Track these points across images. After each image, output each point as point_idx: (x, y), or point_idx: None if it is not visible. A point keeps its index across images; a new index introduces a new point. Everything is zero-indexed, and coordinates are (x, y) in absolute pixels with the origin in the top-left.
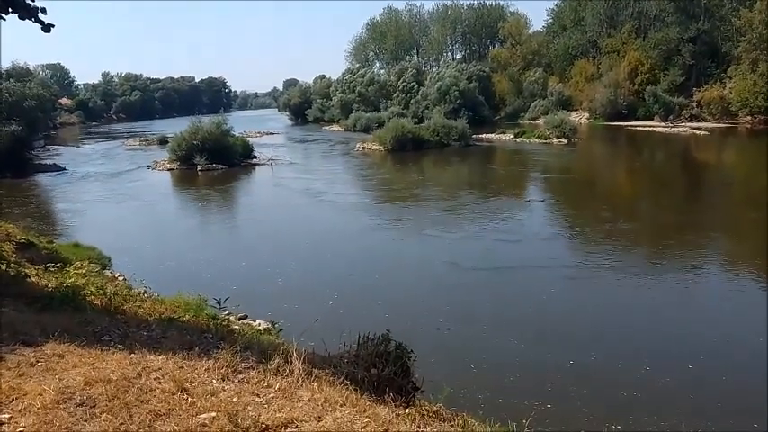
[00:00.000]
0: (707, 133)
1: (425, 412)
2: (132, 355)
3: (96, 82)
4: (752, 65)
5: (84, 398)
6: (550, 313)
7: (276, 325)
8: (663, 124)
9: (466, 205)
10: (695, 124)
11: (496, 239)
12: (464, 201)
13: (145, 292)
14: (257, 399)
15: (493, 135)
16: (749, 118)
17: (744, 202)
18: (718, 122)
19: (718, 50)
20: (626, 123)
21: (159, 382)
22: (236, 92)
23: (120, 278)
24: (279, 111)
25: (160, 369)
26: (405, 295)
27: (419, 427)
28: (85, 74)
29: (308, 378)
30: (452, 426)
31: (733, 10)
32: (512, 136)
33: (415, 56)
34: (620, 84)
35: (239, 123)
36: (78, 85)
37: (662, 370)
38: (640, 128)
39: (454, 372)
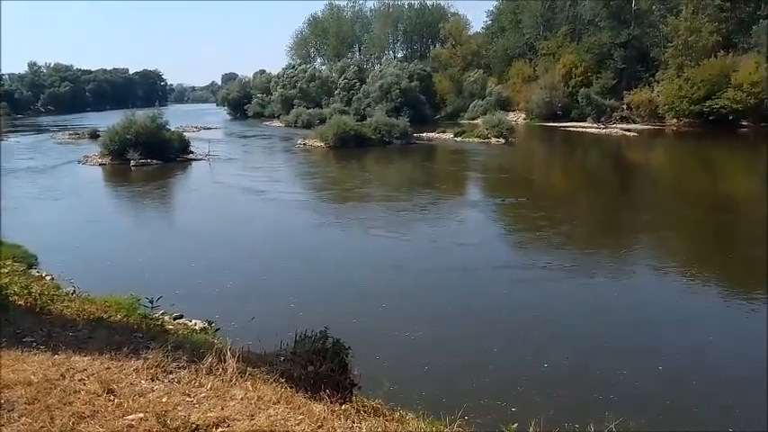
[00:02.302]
0: (636, 134)
1: (362, 408)
2: (56, 356)
3: (23, 72)
4: (678, 70)
5: (2, 401)
6: (502, 313)
7: (212, 324)
8: (595, 125)
9: (410, 204)
10: (625, 126)
11: (443, 239)
12: (408, 200)
13: (73, 291)
14: (188, 399)
15: (434, 134)
16: (675, 120)
17: (676, 200)
18: (647, 124)
19: (647, 55)
20: (560, 124)
21: (84, 384)
22: (172, 85)
23: (48, 278)
24: (217, 105)
25: (85, 370)
26: (352, 294)
27: (354, 422)
28: (10, 64)
29: (241, 377)
30: (387, 420)
31: (661, 17)
32: (452, 135)
33: (357, 53)
34: (555, 86)
35: (175, 117)
36: (2, 75)
37: (620, 368)
38: (574, 128)
39: (403, 370)
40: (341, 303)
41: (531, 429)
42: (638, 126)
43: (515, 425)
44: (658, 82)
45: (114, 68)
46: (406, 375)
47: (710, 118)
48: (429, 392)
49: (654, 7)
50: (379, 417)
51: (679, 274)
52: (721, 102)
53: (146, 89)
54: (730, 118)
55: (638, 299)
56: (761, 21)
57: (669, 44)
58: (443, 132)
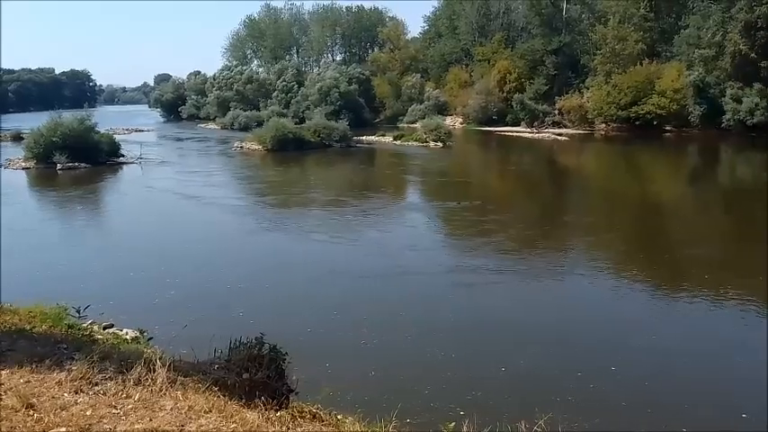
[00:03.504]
0: (567, 139)
1: (299, 414)
2: None
3: None
4: (606, 76)
5: None
6: (456, 318)
7: (144, 333)
8: (528, 130)
9: (355, 209)
10: (557, 130)
11: (392, 244)
12: (353, 204)
13: None
14: (114, 411)
15: (373, 137)
16: (603, 125)
17: (610, 203)
18: (577, 129)
19: (577, 62)
20: (496, 129)
21: (1, 399)
22: (101, 86)
23: None
24: (150, 107)
25: (2, 384)
26: (300, 301)
27: (288, 428)
28: None
29: (172, 386)
30: (324, 425)
31: (590, 25)
32: (391, 139)
33: (296, 55)
34: (490, 91)
35: (105, 119)
36: None
37: (576, 369)
38: (508, 133)
39: (349, 376)
40: (289, 310)
41: (464, 428)
42: (569, 131)
43: (452, 424)
44: (588, 88)
45: (39, 68)
46: (351, 381)
47: (637, 123)
48: (374, 398)
49: (583, 16)
50: (315, 421)
51: (621, 274)
52: (647, 107)
53: (73, 90)
54: (655, 123)
55: (587, 300)
56: (682, 31)
57: (598, 52)
58: (383, 136)
